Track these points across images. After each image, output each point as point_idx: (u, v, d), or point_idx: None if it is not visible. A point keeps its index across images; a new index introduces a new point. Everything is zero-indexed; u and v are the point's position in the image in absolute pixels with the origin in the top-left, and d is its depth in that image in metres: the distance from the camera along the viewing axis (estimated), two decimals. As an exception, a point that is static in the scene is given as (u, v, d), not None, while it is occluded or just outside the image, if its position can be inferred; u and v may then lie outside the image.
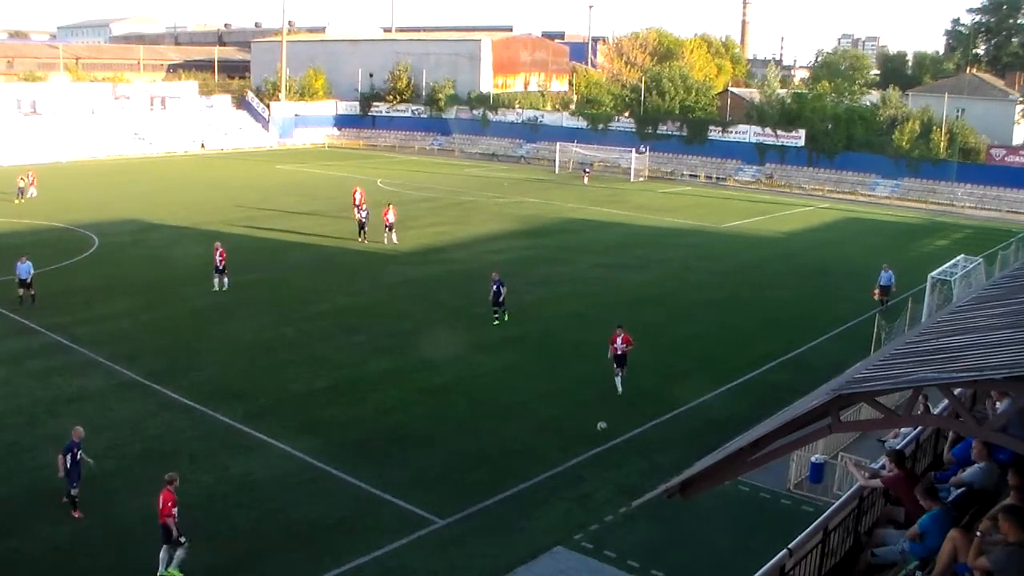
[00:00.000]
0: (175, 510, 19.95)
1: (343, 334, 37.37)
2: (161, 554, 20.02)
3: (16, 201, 68.46)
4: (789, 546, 12.16)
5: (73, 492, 21.97)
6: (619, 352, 31.02)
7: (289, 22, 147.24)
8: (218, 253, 43.34)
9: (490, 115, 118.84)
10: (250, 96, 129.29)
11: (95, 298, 41.81)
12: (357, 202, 61.05)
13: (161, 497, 20.06)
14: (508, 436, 28.20)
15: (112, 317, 39.16)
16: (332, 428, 28.11)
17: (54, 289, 43.18)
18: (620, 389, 31.00)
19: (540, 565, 21.20)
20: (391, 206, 56.46)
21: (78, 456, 21.87)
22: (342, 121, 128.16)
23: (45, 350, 34.67)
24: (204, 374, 32.53)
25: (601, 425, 28.45)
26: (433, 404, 30.66)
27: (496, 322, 38.76)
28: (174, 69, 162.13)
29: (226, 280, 43.33)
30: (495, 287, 38.84)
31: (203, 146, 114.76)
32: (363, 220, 55.93)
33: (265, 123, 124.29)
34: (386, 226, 55.61)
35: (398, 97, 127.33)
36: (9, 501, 23.26)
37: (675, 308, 43.73)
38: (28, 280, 40.05)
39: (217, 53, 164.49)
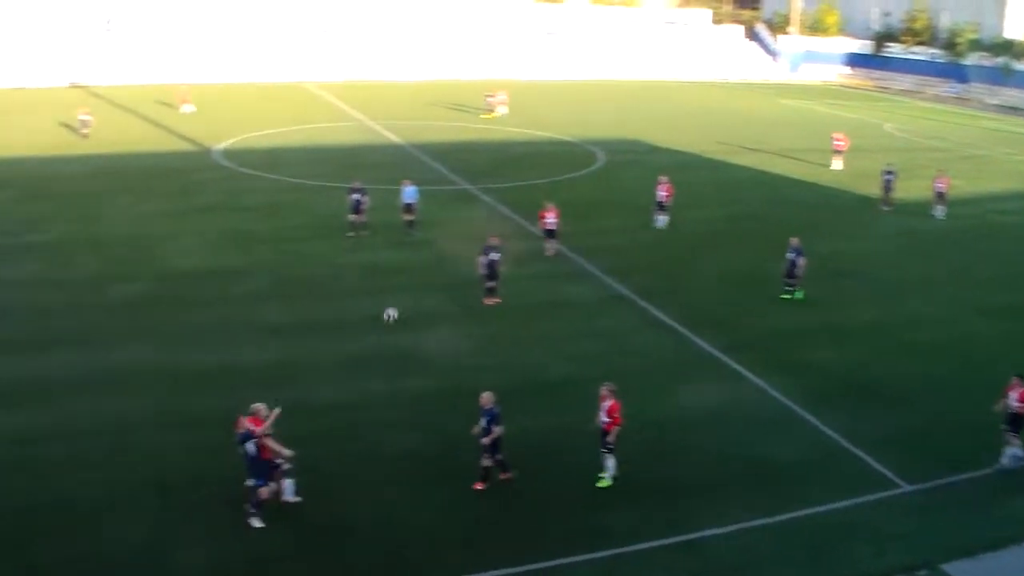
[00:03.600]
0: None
1: (833, 277, 36.41)
2: (609, 461, 21.13)
3: (485, 115, 74.34)
4: None
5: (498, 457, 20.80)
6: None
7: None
8: (662, 188, 41.97)
9: (1015, 64, 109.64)
10: (760, 28, 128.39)
11: (593, 212, 43.90)
12: (838, 145, 58.66)
13: (610, 405, 20.96)
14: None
15: (608, 232, 41.06)
16: (808, 371, 27.73)
17: (559, 198, 45.75)
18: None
19: (1011, 555, 19.71)
20: (943, 173, 48.86)
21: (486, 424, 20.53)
22: (853, 60, 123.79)
23: (545, 256, 37.01)
24: (691, 298, 33.28)
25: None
26: (915, 362, 29.22)
27: (786, 295, 33.73)
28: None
29: (665, 218, 42.10)
30: (792, 255, 33.46)
31: (710, 75, 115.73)
32: (888, 182, 48.26)
33: (774, 56, 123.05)
34: (936, 193, 47.42)
35: (913, 39, 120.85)
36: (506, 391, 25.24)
37: None
38: (412, 204, 39.61)
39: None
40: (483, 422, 20.39)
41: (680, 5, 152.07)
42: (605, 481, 21.01)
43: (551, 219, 36.93)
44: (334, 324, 29.95)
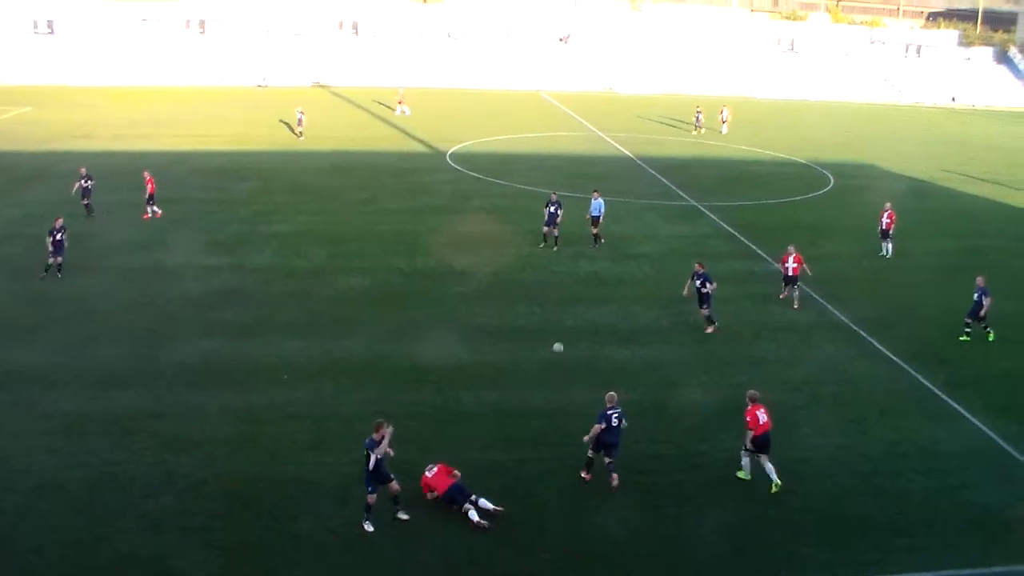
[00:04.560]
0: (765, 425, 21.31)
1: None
2: (767, 464, 21.27)
3: (694, 132, 74.03)
4: None
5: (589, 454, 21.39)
6: None
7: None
8: (886, 215, 40.42)
9: None
10: (1013, 52, 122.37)
11: (821, 237, 42.65)
12: None
13: (748, 415, 21.41)
14: None
15: (834, 257, 39.98)
16: (1036, 415, 26.26)
17: (785, 220, 45.19)
18: None
19: None
20: None
21: (614, 421, 21.13)
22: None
23: (767, 276, 36.41)
24: (913, 331, 31.93)
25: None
26: None
27: (965, 337, 31.27)
28: (934, 17, 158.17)
29: (889, 246, 40.70)
30: (977, 296, 31.07)
31: (953, 99, 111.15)
32: None
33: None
34: None
35: None
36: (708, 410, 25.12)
37: None
38: (599, 218, 39.48)
39: (982, 2, 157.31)
40: (613, 420, 21.10)
41: (926, 26, 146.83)
42: (742, 472, 21.70)
43: (792, 264, 33.46)
44: (545, 330, 30.34)
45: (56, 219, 34.19)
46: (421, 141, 64.43)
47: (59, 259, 33.59)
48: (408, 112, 77.31)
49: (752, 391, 21.87)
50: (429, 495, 20.12)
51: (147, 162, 47.20)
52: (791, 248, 33.76)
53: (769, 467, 21.19)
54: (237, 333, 29.07)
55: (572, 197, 42.03)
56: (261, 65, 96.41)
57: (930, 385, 27.58)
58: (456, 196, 48.75)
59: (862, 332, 31.48)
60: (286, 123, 66.84)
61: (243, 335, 28.96)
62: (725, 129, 74.58)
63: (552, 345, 27.53)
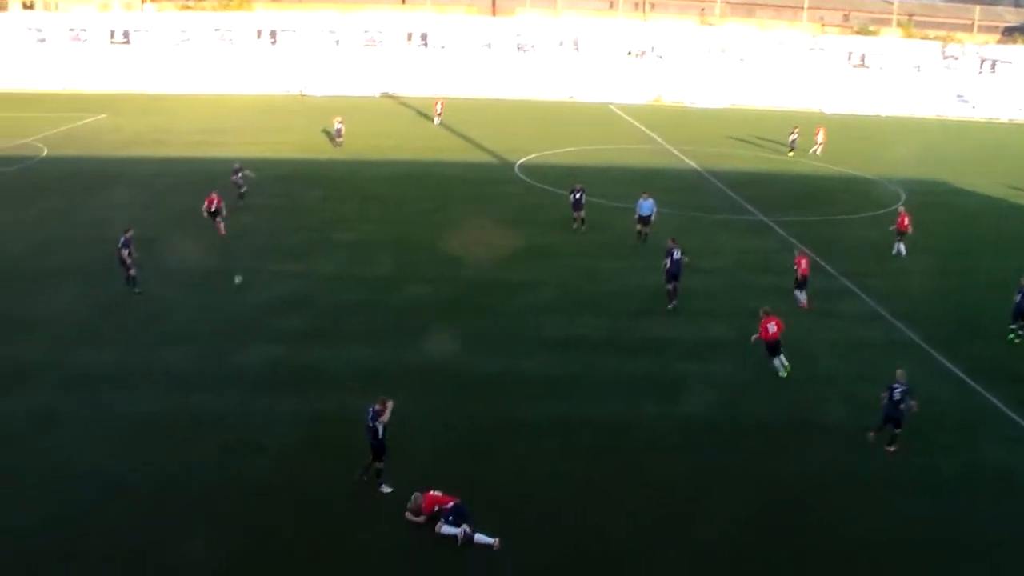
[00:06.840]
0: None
1: None
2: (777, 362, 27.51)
3: (789, 154, 70.91)
4: None
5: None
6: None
7: None
8: (902, 218, 41.51)
9: None
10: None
11: (888, 252, 41.92)
12: None
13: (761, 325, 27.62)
14: None
15: (900, 273, 39.31)
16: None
17: (854, 236, 44.61)
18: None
19: None
20: None
21: (896, 395, 23.55)
22: None
23: (836, 295, 35.94)
24: (984, 350, 31.19)
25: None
26: None
27: (1012, 336, 31.95)
28: (1010, 32, 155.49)
29: (901, 246, 41.41)
30: (1018, 296, 31.90)
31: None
32: None
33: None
34: None
35: None
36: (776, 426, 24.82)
37: None
38: (649, 217, 41.60)
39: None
40: (895, 394, 23.55)
41: (1001, 41, 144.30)
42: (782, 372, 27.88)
43: (804, 265, 34.15)
44: (612, 343, 30.28)
45: (126, 230, 33.54)
46: (490, 152, 64.58)
47: (131, 272, 33.04)
48: (438, 122, 77.63)
49: (765, 307, 28.17)
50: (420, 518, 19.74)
51: (216, 168, 47.77)
52: (799, 251, 36.05)
53: (776, 363, 27.89)
54: (306, 341, 29.27)
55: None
56: (329, 74, 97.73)
57: (1002, 405, 26.93)
58: (524, 207, 48.73)
59: (932, 350, 30.86)
60: (327, 132, 67.38)
61: (309, 342, 29.15)
62: (819, 151, 71.52)
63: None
